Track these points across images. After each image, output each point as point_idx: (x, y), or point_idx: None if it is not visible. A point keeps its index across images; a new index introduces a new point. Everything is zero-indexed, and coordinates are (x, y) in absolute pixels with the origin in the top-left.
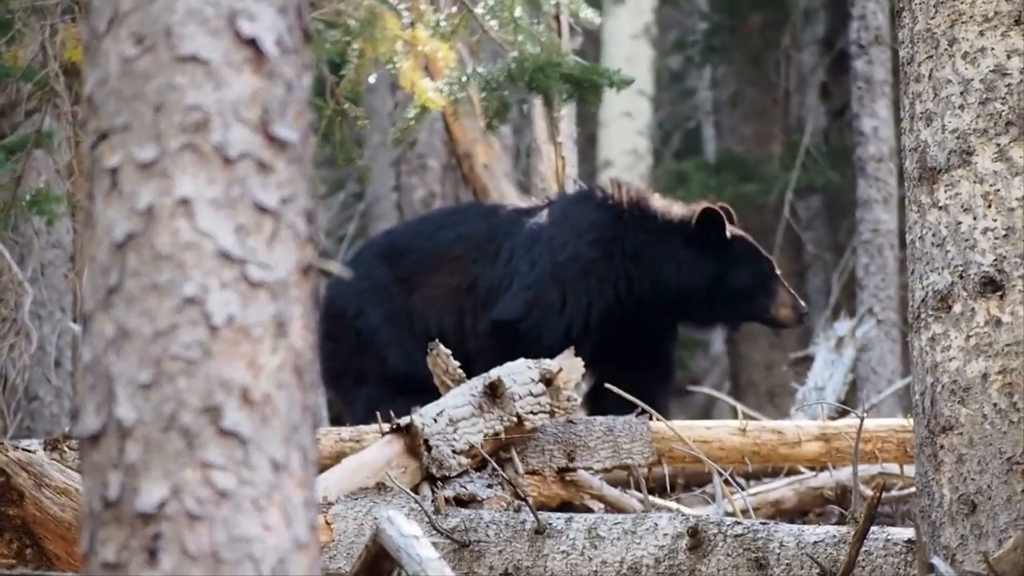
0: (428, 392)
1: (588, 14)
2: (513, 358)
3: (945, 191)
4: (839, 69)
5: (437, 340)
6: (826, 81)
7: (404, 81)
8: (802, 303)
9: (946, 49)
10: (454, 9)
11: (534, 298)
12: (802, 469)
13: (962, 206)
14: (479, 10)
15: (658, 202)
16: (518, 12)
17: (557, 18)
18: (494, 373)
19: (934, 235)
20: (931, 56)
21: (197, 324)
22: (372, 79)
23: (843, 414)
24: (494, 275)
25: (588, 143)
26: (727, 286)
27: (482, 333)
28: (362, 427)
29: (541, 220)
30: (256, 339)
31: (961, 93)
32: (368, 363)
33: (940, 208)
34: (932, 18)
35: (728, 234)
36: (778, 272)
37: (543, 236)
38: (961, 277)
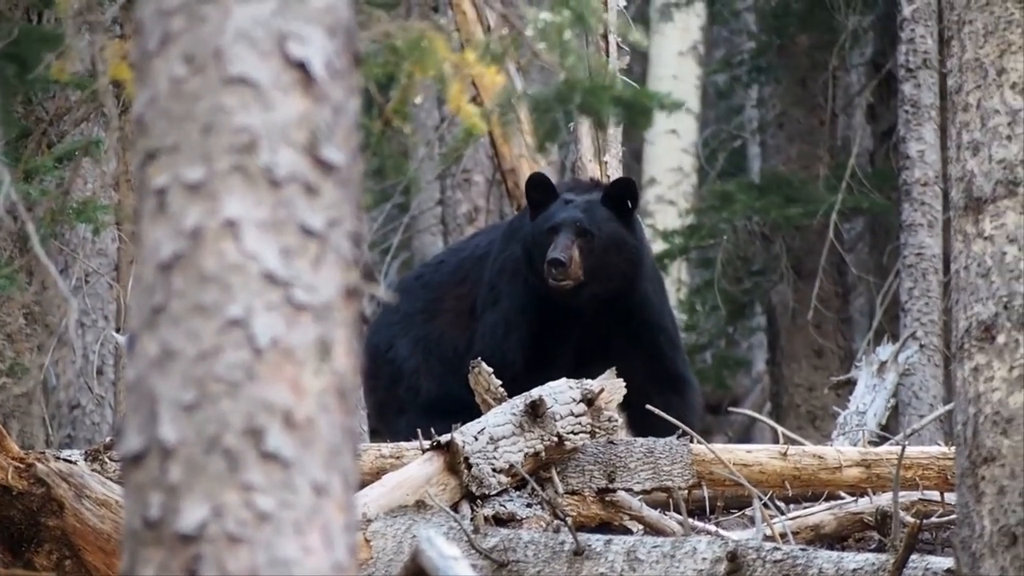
0: (466, 413)
1: (637, 36)
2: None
3: (991, 221)
4: (886, 92)
5: (480, 359)
6: (873, 103)
7: (452, 104)
8: (553, 254)
9: (995, 79)
10: (504, 31)
11: (485, 322)
12: (842, 494)
13: (1007, 237)
14: (529, 32)
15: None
16: (568, 35)
17: (605, 37)
18: (535, 392)
19: (979, 265)
20: (979, 86)
21: (241, 346)
22: (419, 100)
23: (884, 439)
24: (481, 295)
25: (634, 159)
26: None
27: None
28: (403, 444)
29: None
30: (299, 362)
31: (1009, 123)
32: (405, 393)
33: (985, 238)
34: (981, 47)
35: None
36: (558, 232)
37: (494, 247)
38: (1005, 308)
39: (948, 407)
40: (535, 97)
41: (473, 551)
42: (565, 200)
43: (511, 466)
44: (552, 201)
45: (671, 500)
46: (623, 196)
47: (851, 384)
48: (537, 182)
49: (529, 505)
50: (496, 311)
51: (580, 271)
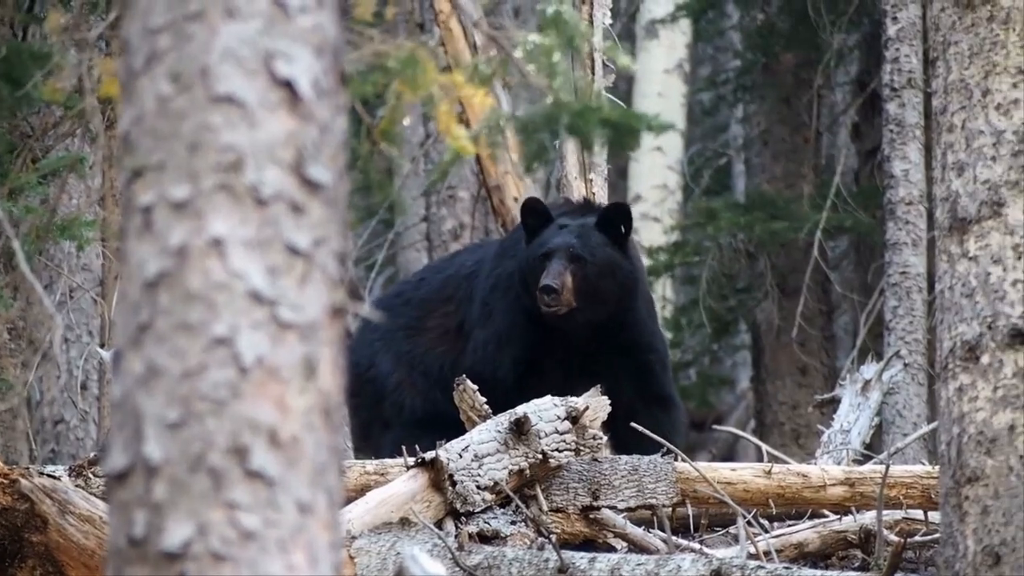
0: (451, 429)
1: (625, 61)
2: (490, 404)
3: (975, 242)
4: (871, 110)
5: (465, 376)
6: (857, 122)
7: (441, 126)
8: (545, 281)
9: (979, 100)
10: (493, 53)
11: (477, 339)
12: (826, 512)
13: (992, 257)
14: (517, 54)
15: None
16: (556, 57)
17: (591, 56)
18: (520, 410)
19: (963, 285)
20: (964, 107)
21: (226, 364)
22: (407, 121)
23: (868, 458)
24: (471, 313)
25: (619, 176)
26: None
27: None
28: (387, 460)
29: (496, 247)
30: (285, 380)
31: (993, 144)
32: (389, 410)
33: (970, 259)
34: (966, 69)
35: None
36: (551, 258)
37: (486, 266)
38: (990, 328)
39: (932, 426)
40: (522, 119)
41: (457, 568)
42: (560, 225)
43: (496, 483)
44: (547, 225)
45: (655, 518)
46: (617, 221)
47: (835, 402)
48: (532, 207)
49: (513, 522)
50: (488, 327)
51: (572, 297)
